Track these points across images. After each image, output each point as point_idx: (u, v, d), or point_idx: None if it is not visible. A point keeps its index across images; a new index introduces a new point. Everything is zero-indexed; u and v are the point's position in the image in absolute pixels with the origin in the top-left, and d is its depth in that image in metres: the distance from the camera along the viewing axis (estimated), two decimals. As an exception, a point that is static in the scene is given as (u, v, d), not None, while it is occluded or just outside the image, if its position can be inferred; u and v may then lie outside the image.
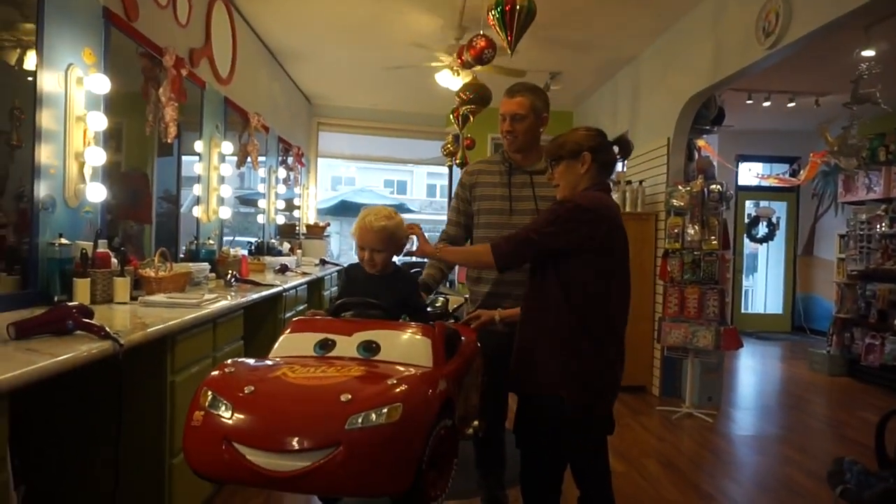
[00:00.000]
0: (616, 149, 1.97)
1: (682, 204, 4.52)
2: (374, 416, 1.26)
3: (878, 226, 6.13)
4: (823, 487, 3.07)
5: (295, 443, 1.25)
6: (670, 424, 4.29)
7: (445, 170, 8.20)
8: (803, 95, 6.44)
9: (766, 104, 6.55)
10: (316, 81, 7.08)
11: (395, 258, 1.96)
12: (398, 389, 1.33)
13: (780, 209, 8.80)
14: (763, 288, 9.29)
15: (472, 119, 5.10)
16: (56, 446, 2.08)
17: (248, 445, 1.27)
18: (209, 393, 1.35)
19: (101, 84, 2.61)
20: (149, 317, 2.22)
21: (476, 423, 1.85)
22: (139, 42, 3.13)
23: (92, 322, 1.73)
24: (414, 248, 2.01)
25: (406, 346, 1.61)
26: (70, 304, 1.80)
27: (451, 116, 5.33)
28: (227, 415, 1.31)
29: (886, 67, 4.69)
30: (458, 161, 6.17)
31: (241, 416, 1.30)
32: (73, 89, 2.50)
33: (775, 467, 3.60)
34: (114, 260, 2.57)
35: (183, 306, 2.46)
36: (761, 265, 9.35)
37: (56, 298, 2.29)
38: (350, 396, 1.29)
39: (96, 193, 2.61)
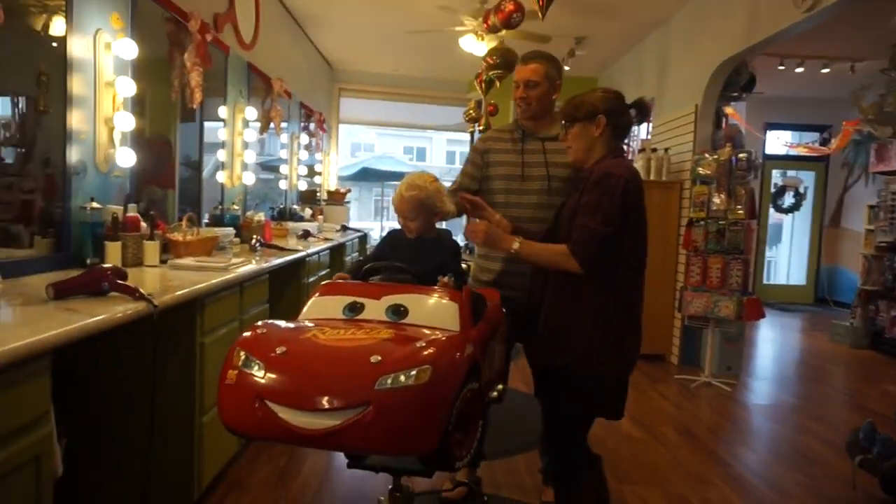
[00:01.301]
0: (633, 112, 1.93)
1: (708, 172, 4.45)
2: (402, 377, 1.28)
3: (909, 196, 5.98)
4: (840, 456, 3.09)
5: (325, 402, 1.28)
6: (689, 393, 4.31)
7: (465, 136, 8.13)
8: (838, 61, 6.24)
9: (799, 70, 6.36)
10: (338, 46, 7.02)
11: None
12: (427, 352, 1.35)
13: (808, 179, 8.62)
14: (786, 259, 9.17)
15: (497, 84, 5.03)
16: (95, 402, 2.16)
17: (280, 404, 1.30)
18: (242, 353, 1.39)
19: (129, 49, 2.62)
20: (178, 279, 2.27)
21: (500, 387, 1.87)
22: (165, 7, 3.13)
23: (127, 283, 1.77)
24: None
25: (433, 310, 1.63)
26: (105, 265, 1.85)
27: (475, 82, 5.27)
28: (259, 374, 1.34)
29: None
30: (481, 127, 6.12)
31: (274, 376, 1.33)
32: (102, 54, 2.52)
33: (792, 436, 3.62)
34: (143, 224, 2.62)
35: (211, 270, 2.51)
36: (785, 236, 9.21)
37: (88, 261, 2.35)
38: (380, 358, 1.31)
39: (126, 158, 2.64)
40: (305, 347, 1.41)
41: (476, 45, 4.98)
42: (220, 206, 4.08)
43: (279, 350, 1.38)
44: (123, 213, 2.55)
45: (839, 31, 5.18)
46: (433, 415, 1.30)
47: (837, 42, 5.65)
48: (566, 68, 6.61)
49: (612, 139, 1.89)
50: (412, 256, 1.87)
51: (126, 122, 2.60)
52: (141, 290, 1.75)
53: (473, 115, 6.51)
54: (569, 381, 1.86)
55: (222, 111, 4.08)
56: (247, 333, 1.48)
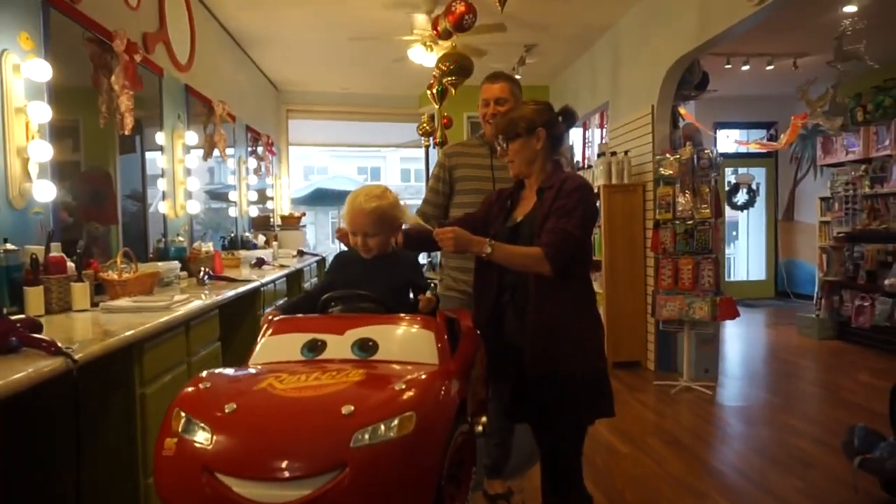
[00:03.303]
0: (560, 119, 1.96)
1: (671, 172, 4.38)
2: (382, 429, 1.06)
3: (860, 187, 6.08)
4: (834, 456, 2.99)
5: (291, 469, 1.05)
6: (669, 399, 4.18)
7: (419, 154, 7.95)
8: (781, 58, 6.34)
9: (745, 68, 6.43)
10: (282, 67, 6.77)
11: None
12: (408, 395, 1.13)
13: (758, 175, 8.75)
14: (745, 255, 9.28)
15: (453, 92, 4.83)
16: (16, 477, 1.85)
17: (233, 475, 1.06)
18: (182, 414, 1.14)
19: (42, 71, 2.34)
20: (112, 324, 2.00)
21: (484, 419, 1.66)
22: (85, 26, 2.85)
23: (40, 337, 1.50)
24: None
25: (407, 341, 1.42)
26: (14, 317, 1.57)
27: (428, 93, 5.08)
28: (204, 440, 1.10)
29: (870, 23, 4.59)
30: (437, 140, 5.94)
31: (223, 441, 1.09)
32: (10, 78, 2.24)
33: (781, 437, 3.50)
34: (70, 264, 2.32)
35: (150, 310, 2.24)
36: (742, 232, 9.33)
37: (5, 310, 2.04)
38: (353, 408, 1.09)
39: (44, 192, 2.35)
40: (260, 401, 1.17)
41: (425, 55, 4.82)
42: (163, 239, 3.77)
43: (228, 408, 1.14)
44: (45, 254, 2.26)
45: (781, 28, 5.23)
46: (422, 470, 1.09)
47: (780, 39, 5.72)
48: (517, 77, 6.55)
49: (551, 150, 1.94)
50: (370, 279, 1.64)
51: (42, 151, 2.30)
52: (58, 344, 1.47)
53: (427, 128, 6.34)
54: (576, 384, 1.79)
55: (160, 137, 3.78)
56: (188, 389, 1.23)
